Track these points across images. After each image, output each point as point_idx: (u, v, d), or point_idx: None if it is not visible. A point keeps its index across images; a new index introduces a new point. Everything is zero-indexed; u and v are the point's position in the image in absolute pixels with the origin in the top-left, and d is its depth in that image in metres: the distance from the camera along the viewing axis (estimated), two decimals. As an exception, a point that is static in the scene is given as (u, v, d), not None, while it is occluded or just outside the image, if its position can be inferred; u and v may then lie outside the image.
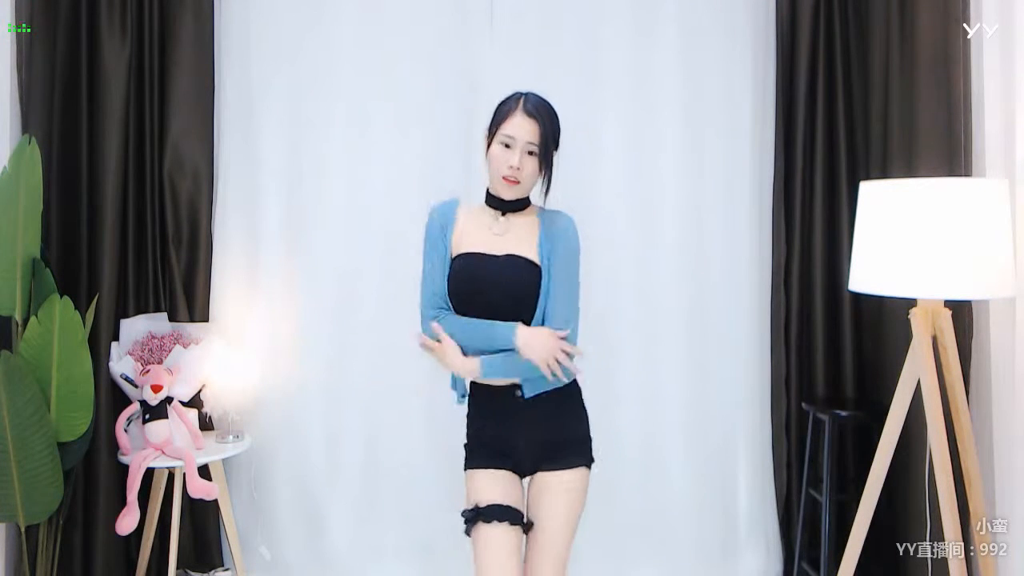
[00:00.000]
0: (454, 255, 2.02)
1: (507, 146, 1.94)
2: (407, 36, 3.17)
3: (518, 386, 1.98)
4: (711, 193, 3.20)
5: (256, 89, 3.19)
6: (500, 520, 1.93)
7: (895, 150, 2.82)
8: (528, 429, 2.00)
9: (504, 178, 1.96)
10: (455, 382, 2.10)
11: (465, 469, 2.06)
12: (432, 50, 3.18)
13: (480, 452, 2.03)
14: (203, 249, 3.13)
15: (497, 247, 1.99)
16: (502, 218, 2.03)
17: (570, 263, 1.99)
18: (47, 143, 2.90)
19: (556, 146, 2.00)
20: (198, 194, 3.12)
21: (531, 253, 1.98)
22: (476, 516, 1.95)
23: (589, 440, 2.07)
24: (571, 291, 1.98)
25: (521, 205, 2.03)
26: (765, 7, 3.19)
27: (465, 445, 2.09)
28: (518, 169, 1.94)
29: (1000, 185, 2.10)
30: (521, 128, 1.93)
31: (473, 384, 2.05)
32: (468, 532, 1.97)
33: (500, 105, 2.01)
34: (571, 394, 2.05)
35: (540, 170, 1.97)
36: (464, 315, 1.97)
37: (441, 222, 2.04)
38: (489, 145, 1.99)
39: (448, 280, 2.00)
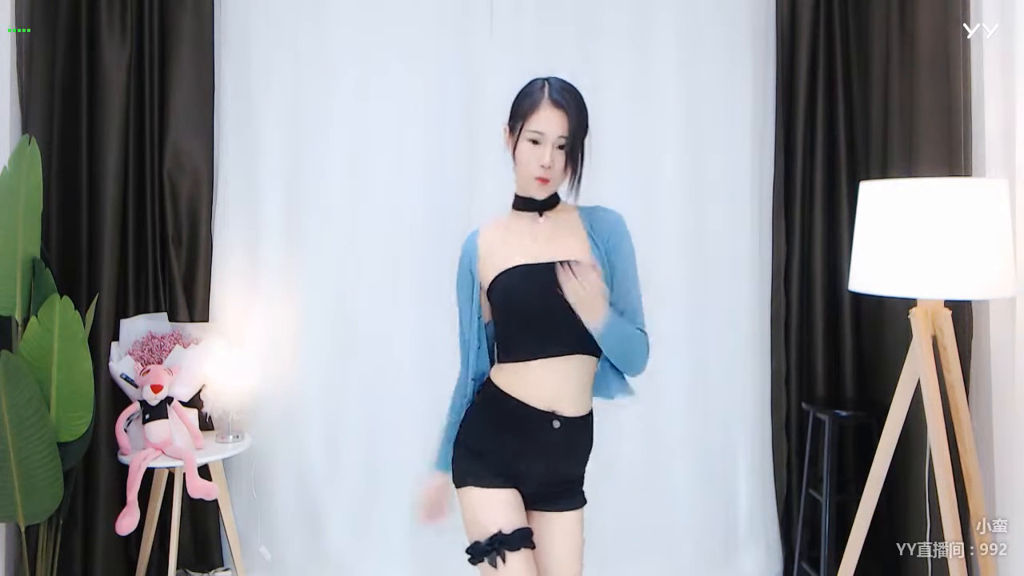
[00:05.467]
0: (490, 281, 1.82)
1: (535, 143, 1.75)
2: (407, 34, 3.18)
3: (555, 415, 1.79)
4: (711, 193, 3.20)
5: (256, 89, 3.19)
6: (526, 547, 1.74)
7: (895, 150, 2.82)
8: (550, 462, 1.82)
9: (537, 178, 1.77)
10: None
11: (460, 485, 1.83)
12: (432, 48, 3.18)
13: (482, 467, 1.81)
14: (203, 249, 3.13)
15: (543, 253, 1.79)
16: (541, 219, 1.84)
17: (632, 262, 1.87)
18: (47, 143, 2.91)
19: (585, 132, 1.80)
20: (198, 194, 3.12)
21: (583, 254, 1.78)
22: (502, 545, 1.71)
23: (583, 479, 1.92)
24: (639, 294, 1.88)
25: (553, 202, 1.85)
26: (765, 7, 3.19)
27: (455, 456, 1.88)
28: (550, 167, 1.76)
29: (1000, 185, 2.10)
30: (550, 122, 1.74)
31: (497, 394, 1.83)
32: (490, 562, 1.71)
33: (522, 96, 1.80)
34: (591, 426, 1.90)
35: (566, 163, 1.78)
36: (521, 343, 1.79)
37: (466, 260, 1.87)
38: (515, 142, 1.78)
39: (493, 312, 1.85)
